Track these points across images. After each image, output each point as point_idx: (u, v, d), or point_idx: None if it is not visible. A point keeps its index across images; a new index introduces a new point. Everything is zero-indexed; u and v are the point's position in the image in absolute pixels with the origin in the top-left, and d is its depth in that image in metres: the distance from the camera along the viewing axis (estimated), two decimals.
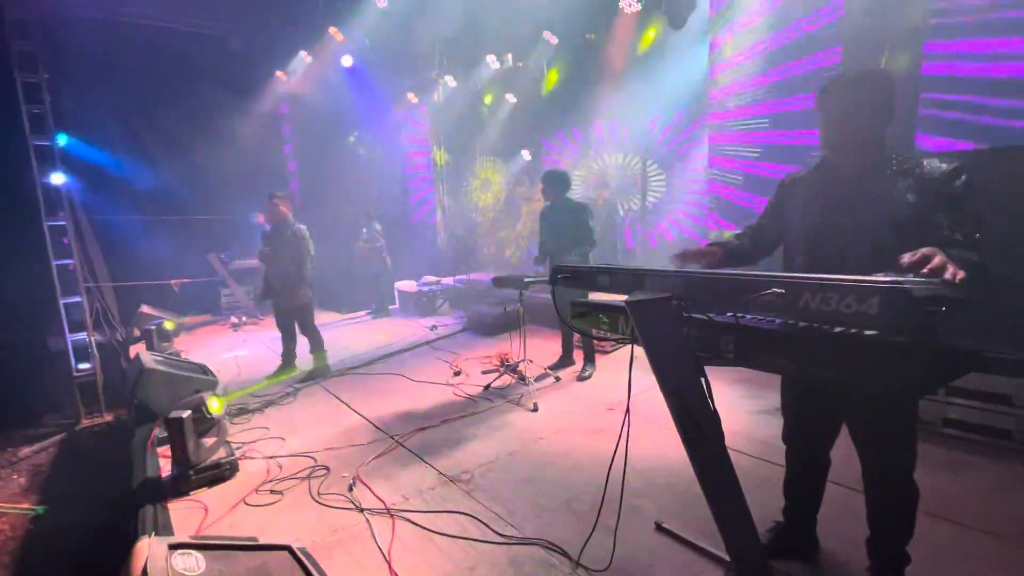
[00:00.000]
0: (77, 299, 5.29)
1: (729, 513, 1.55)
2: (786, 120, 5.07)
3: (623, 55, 7.08)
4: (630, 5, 6.46)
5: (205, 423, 3.00)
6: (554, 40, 7.81)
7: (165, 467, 3.13)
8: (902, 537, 1.74)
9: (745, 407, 3.58)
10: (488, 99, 9.47)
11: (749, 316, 1.37)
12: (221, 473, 2.99)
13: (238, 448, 3.34)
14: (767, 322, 1.34)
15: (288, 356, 5.03)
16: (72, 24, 6.87)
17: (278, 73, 8.92)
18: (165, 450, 3.33)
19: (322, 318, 6.72)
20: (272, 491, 2.85)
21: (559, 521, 2.44)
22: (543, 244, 4.44)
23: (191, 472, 2.89)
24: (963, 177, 1.50)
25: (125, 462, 3.41)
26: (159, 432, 3.52)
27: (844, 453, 1.86)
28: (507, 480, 2.85)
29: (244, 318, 7.78)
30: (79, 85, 7.03)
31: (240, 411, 4.05)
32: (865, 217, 1.58)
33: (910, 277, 1.11)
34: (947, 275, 1.16)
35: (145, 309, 6.79)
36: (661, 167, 7.14)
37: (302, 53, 8.67)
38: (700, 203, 6.50)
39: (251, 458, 3.28)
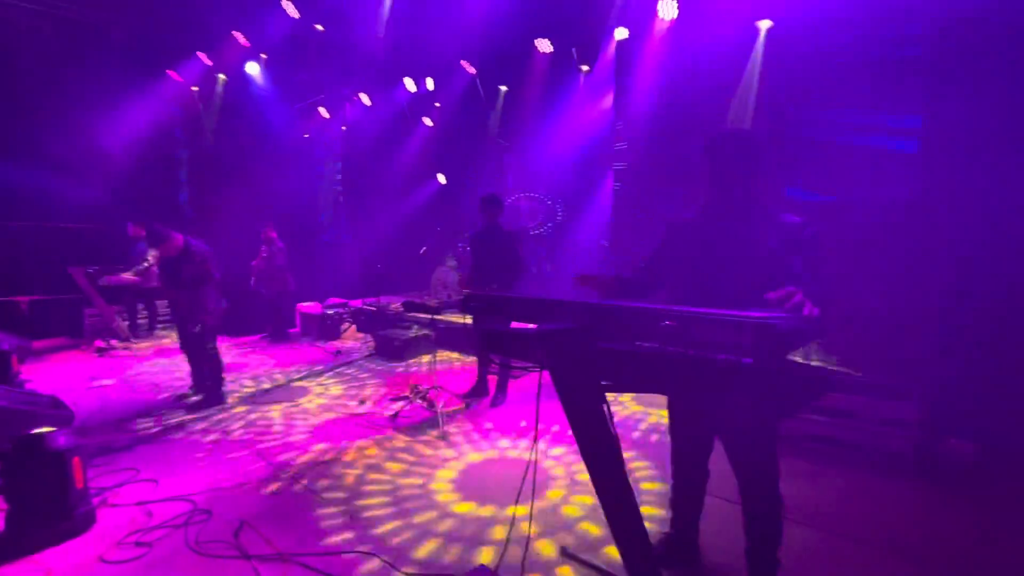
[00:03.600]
0: None
1: (626, 532, 1.62)
2: (679, 164, 5.58)
3: (537, 92, 7.46)
4: (544, 45, 6.88)
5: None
6: (471, 70, 8.03)
7: None
8: (773, 544, 1.96)
9: (646, 427, 3.80)
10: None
11: (647, 345, 1.47)
12: (72, 526, 2.55)
13: (96, 495, 2.87)
14: (663, 351, 1.44)
15: (200, 381, 4.65)
16: None
17: (169, 72, 8.18)
18: None
19: None
20: (138, 543, 2.48)
21: (468, 556, 2.38)
22: (477, 268, 4.46)
23: (32, 527, 2.43)
24: (810, 228, 1.82)
25: None
26: None
27: (726, 468, 2.04)
28: (414, 515, 2.74)
29: (113, 342, 6.82)
30: None
31: (102, 450, 3.51)
32: (737, 256, 1.83)
33: (777, 312, 1.27)
34: (804, 312, 1.34)
35: None
36: (570, 201, 7.52)
37: (200, 54, 8.06)
38: (601, 237, 6.92)
39: (113, 505, 2.84)
